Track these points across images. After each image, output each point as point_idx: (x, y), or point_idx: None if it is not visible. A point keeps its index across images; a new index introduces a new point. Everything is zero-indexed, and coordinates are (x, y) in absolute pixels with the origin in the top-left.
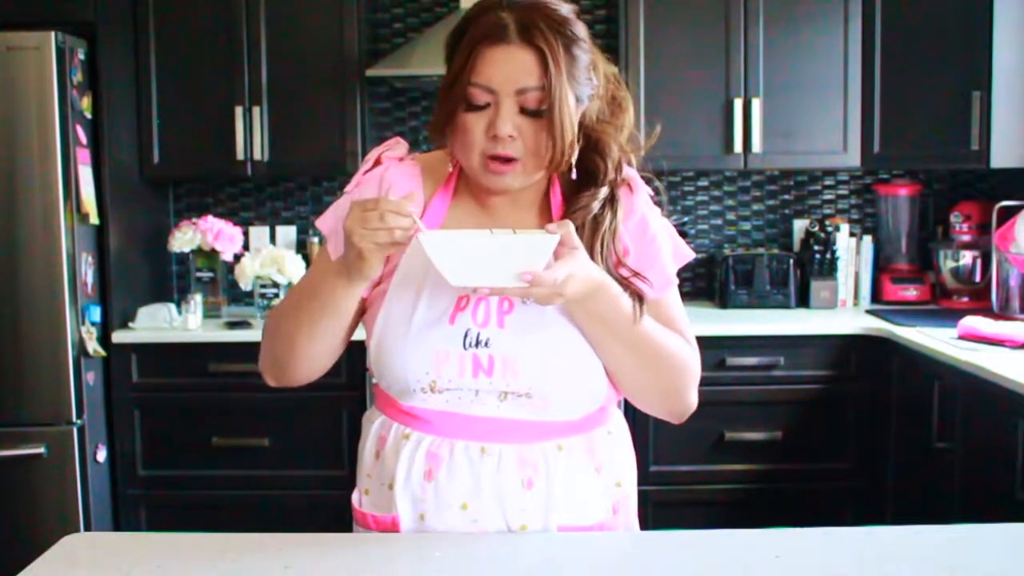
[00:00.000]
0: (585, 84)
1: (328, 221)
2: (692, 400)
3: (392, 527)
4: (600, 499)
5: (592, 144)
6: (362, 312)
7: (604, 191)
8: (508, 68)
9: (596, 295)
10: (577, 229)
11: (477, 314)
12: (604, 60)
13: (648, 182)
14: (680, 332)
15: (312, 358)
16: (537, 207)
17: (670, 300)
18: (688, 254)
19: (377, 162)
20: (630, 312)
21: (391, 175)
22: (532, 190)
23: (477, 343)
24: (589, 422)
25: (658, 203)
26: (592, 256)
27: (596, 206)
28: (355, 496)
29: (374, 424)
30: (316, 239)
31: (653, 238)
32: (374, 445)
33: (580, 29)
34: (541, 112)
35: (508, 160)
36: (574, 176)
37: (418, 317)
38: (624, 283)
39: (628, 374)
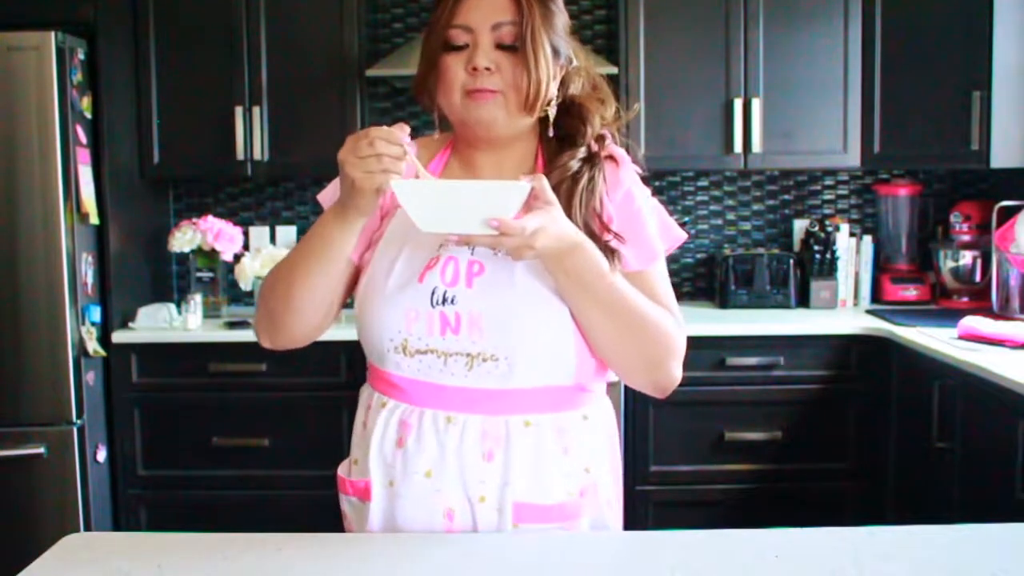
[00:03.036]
0: (562, 39)
1: (328, 194)
2: (676, 373)
3: (365, 491)
4: (563, 480)
5: (575, 111)
6: (356, 277)
7: (582, 151)
8: (483, 7)
9: (571, 252)
10: (555, 187)
11: (446, 273)
12: (585, 54)
13: (633, 160)
14: (665, 306)
15: (305, 310)
16: (521, 173)
17: (656, 274)
18: (679, 235)
19: None
20: (606, 274)
21: None
22: (518, 155)
23: (444, 301)
24: (560, 401)
25: (646, 181)
26: (569, 212)
27: (574, 165)
28: (342, 466)
29: (363, 395)
30: None
31: (638, 211)
32: (362, 414)
33: None
34: (516, 47)
35: (489, 91)
36: (552, 134)
37: (393, 278)
38: (598, 240)
39: (607, 339)
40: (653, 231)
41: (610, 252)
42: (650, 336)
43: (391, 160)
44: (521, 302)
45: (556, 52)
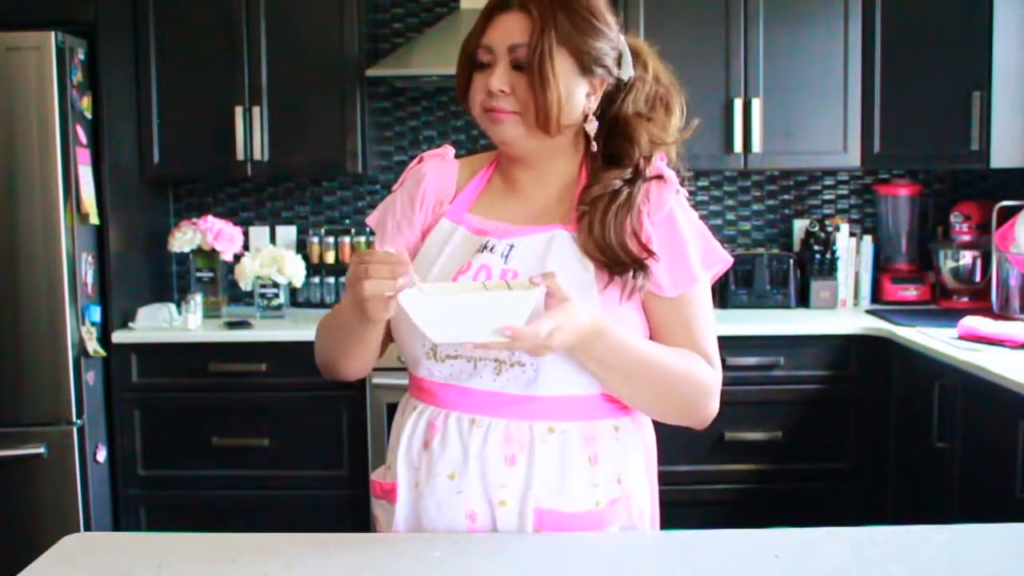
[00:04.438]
0: (594, 55)
1: (375, 216)
2: (711, 410)
3: (392, 493)
4: (590, 490)
5: (621, 128)
6: None
7: (628, 171)
8: (504, 28)
9: (592, 341)
10: (594, 201)
11: (479, 278)
12: (664, 67)
13: (682, 183)
14: (697, 341)
15: (351, 366)
16: (563, 188)
17: (694, 300)
18: (724, 259)
19: (420, 160)
20: (628, 349)
21: (426, 167)
22: (560, 171)
23: None
24: (588, 410)
25: (693, 205)
26: (604, 229)
27: (617, 183)
28: (377, 472)
29: (401, 403)
30: (316, 239)
31: (679, 234)
32: (398, 420)
33: (597, 7)
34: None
35: (505, 112)
36: (595, 149)
37: (425, 285)
38: (631, 257)
39: (636, 401)
40: (694, 256)
41: (644, 272)
42: (681, 390)
43: (380, 282)
44: None
45: (586, 69)
